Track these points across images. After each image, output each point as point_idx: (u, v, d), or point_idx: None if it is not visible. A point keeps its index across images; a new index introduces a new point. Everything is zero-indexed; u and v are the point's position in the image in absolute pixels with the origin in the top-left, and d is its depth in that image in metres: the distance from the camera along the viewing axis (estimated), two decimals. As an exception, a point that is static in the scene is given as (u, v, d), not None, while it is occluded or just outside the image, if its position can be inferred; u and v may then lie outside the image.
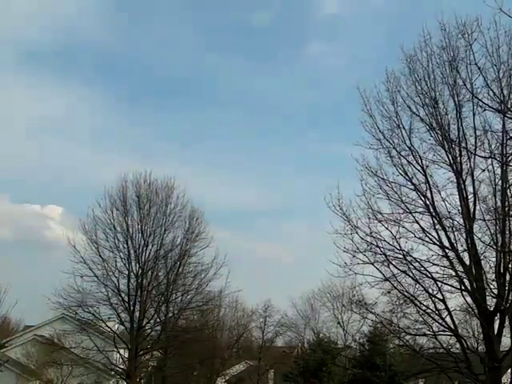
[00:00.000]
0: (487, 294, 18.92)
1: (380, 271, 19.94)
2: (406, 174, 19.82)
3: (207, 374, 47.55)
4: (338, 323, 53.00)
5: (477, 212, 19.10)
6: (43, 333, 42.29)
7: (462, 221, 19.15)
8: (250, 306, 56.59)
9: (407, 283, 20.00)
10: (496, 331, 19.09)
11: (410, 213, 19.72)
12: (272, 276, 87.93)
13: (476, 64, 17.61)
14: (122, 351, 35.90)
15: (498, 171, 18.74)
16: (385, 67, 20.11)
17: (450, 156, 19.32)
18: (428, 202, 19.59)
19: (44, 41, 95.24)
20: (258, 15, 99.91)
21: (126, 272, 34.37)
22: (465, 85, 18.52)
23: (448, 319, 19.95)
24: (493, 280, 18.83)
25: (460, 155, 19.22)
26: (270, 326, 57.18)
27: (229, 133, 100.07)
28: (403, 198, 19.81)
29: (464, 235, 19.14)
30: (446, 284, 19.64)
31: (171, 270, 35.60)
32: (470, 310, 20.54)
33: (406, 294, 20.02)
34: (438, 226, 19.49)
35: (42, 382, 39.56)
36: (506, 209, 18.61)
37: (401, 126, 19.89)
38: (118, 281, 34.26)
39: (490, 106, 16.31)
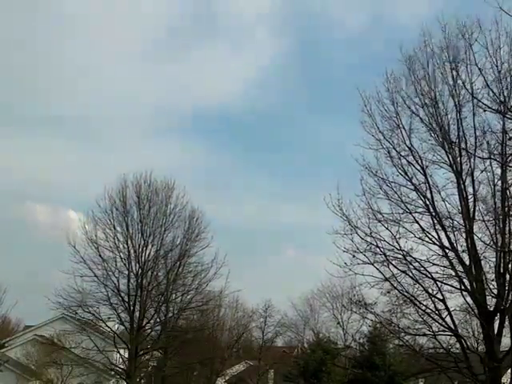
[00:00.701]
0: (487, 294, 18.94)
1: (380, 271, 19.98)
2: (406, 174, 19.85)
3: (207, 374, 47.50)
4: (338, 323, 52.99)
5: (476, 212, 19.13)
6: (43, 333, 42.30)
7: (461, 221, 19.18)
8: (250, 306, 56.59)
9: (407, 283, 20.05)
10: (496, 331, 19.10)
11: (410, 213, 19.74)
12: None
13: (476, 65, 17.67)
14: (121, 351, 35.89)
15: (498, 172, 18.78)
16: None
17: (449, 156, 19.34)
18: (428, 202, 19.61)
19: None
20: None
21: (126, 272, 34.39)
22: (464, 86, 18.56)
23: (448, 319, 19.96)
24: (493, 280, 18.86)
25: (460, 155, 19.24)
26: (270, 326, 57.17)
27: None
28: (403, 198, 19.84)
29: (464, 235, 19.17)
30: (445, 284, 19.67)
31: (171, 270, 35.60)
32: (469, 310, 20.53)
33: (405, 294, 20.03)
34: (437, 226, 19.52)
35: (42, 381, 39.55)
36: (506, 209, 18.63)
37: (401, 126, 19.92)
38: (117, 281, 34.31)
39: (489, 107, 16.36)
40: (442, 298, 19.76)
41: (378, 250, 19.84)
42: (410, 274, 19.86)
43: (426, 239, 19.54)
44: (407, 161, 19.88)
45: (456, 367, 20.13)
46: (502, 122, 18.26)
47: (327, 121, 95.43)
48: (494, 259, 18.73)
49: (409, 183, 19.86)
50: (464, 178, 19.20)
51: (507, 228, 18.60)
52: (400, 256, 19.75)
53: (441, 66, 19.30)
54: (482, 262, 19.01)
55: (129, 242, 34.47)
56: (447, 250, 19.37)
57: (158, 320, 36.31)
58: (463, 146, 19.10)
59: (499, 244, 18.37)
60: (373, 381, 39.00)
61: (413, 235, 19.58)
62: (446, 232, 19.37)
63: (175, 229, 35.75)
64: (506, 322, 19.24)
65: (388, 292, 20.37)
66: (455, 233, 19.29)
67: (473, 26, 18.09)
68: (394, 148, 19.99)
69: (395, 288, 20.03)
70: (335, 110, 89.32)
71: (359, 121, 20.28)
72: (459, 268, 19.25)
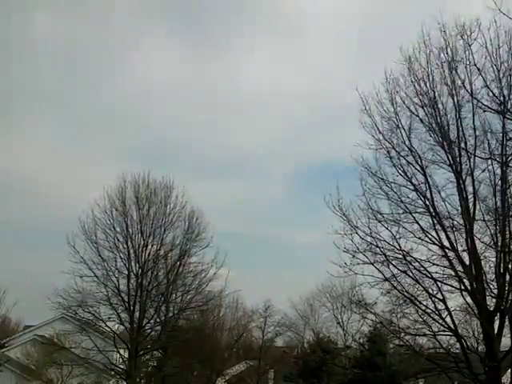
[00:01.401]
0: (487, 294, 18.95)
1: (380, 271, 20.00)
2: (406, 174, 19.86)
3: (207, 373, 47.43)
4: (338, 323, 52.97)
5: (477, 212, 19.14)
6: (43, 333, 42.25)
7: (461, 221, 19.18)
8: (250, 306, 56.57)
9: (407, 283, 20.05)
10: (496, 331, 19.11)
11: (410, 213, 19.75)
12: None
13: (475, 65, 17.65)
14: (121, 351, 35.86)
15: (498, 171, 18.79)
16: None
17: (449, 156, 19.34)
18: (428, 202, 19.61)
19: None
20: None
21: (126, 272, 34.35)
22: (464, 86, 18.54)
23: (448, 319, 19.96)
24: (493, 280, 18.87)
25: (460, 155, 19.23)
26: (270, 326, 57.06)
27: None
28: (403, 199, 19.87)
29: (464, 235, 19.16)
30: (445, 284, 19.68)
31: (171, 270, 35.58)
32: (470, 310, 20.55)
33: (405, 294, 20.04)
34: (437, 226, 19.52)
35: (42, 382, 39.44)
36: (506, 209, 18.63)
37: (400, 126, 19.92)
38: (117, 281, 34.26)
39: (489, 107, 16.35)
40: (442, 298, 19.78)
41: (377, 250, 19.88)
42: (410, 274, 19.87)
43: (426, 239, 19.56)
44: (407, 161, 19.89)
45: (456, 367, 20.15)
46: (501, 123, 18.29)
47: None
48: (494, 259, 18.76)
49: (409, 183, 19.89)
50: (464, 177, 19.20)
51: (507, 228, 18.61)
52: (400, 256, 19.77)
53: (440, 66, 19.29)
54: (482, 262, 19.02)
55: (128, 242, 34.46)
56: (447, 250, 19.37)
57: (157, 320, 36.26)
58: (463, 145, 19.10)
59: (499, 244, 18.39)
60: (373, 381, 39.03)
61: (413, 235, 19.61)
62: (445, 232, 19.37)
63: (175, 229, 35.75)
64: (506, 322, 19.24)
65: (388, 292, 20.40)
66: (455, 233, 19.30)
67: (472, 26, 18.07)
68: (393, 148, 20.00)
69: (395, 288, 20.05)
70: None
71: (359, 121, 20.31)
72: (459, 268, 19.26)
